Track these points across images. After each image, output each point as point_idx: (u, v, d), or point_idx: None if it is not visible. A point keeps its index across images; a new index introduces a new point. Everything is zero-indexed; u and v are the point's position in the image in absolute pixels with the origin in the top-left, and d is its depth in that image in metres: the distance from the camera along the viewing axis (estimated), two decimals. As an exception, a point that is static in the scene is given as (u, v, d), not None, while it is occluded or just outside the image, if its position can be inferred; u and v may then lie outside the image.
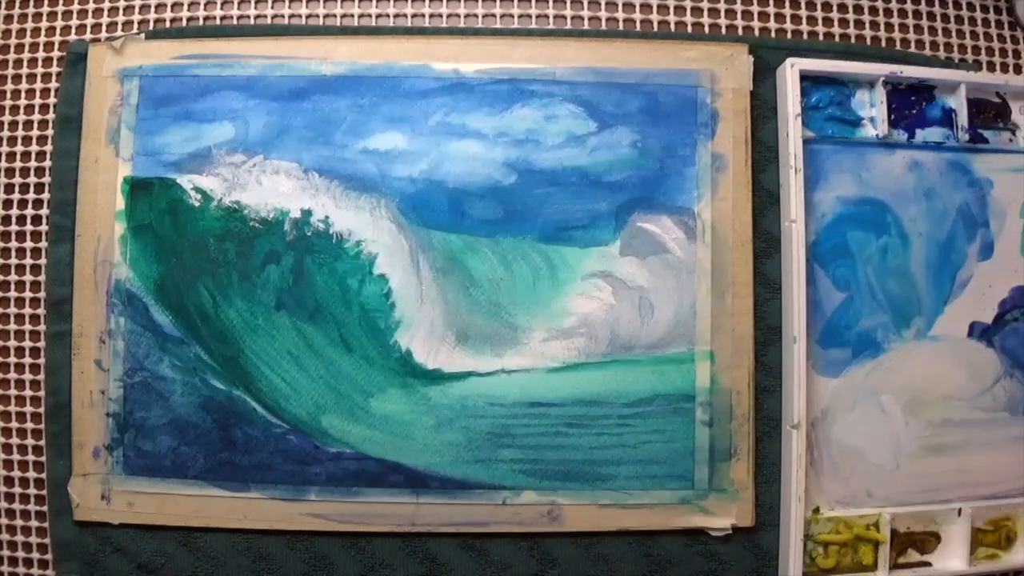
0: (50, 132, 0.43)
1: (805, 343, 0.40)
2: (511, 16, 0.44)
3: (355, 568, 0.41)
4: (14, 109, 0.44)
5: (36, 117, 0.43)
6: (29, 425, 0.42)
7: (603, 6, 0.45)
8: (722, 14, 0.45)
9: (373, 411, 0.40)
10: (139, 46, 0.42)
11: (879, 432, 0.41)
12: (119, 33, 0.44)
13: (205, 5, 0.44)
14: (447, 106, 0.42)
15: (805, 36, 0.45)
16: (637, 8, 0.45)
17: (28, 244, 0.43)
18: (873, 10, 0.46)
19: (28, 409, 0.42)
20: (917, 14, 0.46)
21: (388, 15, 0.44)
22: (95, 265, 0.41)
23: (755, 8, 0.45)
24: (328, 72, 0.42)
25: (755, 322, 0.41)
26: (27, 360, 0.42)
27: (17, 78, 0.44)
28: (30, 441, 0.42)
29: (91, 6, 0.44)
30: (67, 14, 0.44)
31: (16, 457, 0.42)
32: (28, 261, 0.43)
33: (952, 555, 0.41)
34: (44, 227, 0.43)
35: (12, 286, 0.43)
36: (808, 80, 0.42)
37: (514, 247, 0.41)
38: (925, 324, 0.42)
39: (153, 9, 0.44)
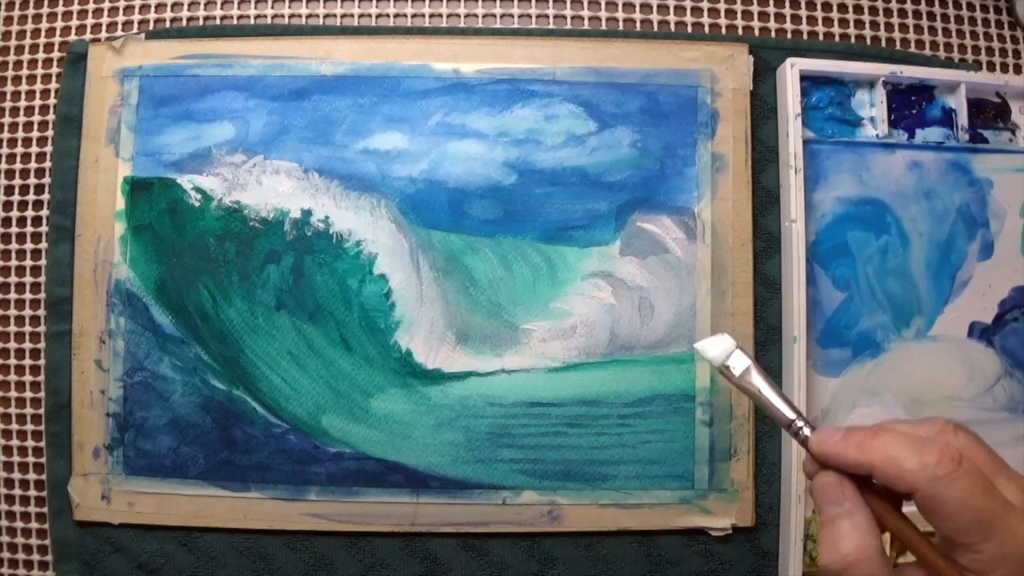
0: (50, 132, 0.43)
1: (805, 343, 0.40)
2: (511, 16, 0.44)
3: (355, 568, 0.41)
4: (14, 110, 0.44)
5: (36, 117, 0.43)
6: (29, 425, 0.42)
7: (603, 6, 0.45)
8: (722, 14, 0.45)
9: (373, 411, 0.40)
10: (139, 46, 0.42)
11: (879, 432, 0.41)
12: (119, 33, 0.44)
13: (205, 5, 0.44)
14: (447, 106, 0.42)
15: (805, 36, 0.45)
16: (637, 8, 0.45)
17: (28, 244, 0.43)
18: (873, 10, 0.46)
19: (28, 409, 0.42)
20: (917, 14, 0.46)
21: (388, 15, 0.44)
22: (95, 265, 0.41)
23: (755, 8, 0.45)
24: (328, 72, 0.42)
25: (755, 322, 0.41)
26: (27, 360, 0.42)
27: (17, 78, 0.44)
28: (30, 441, 0.42)
29: (91, 6, 0.44)
30: (67, 14, 0.44)
31: (16, 457, 0.42)
32: (28, 261, 0.43)
33: (952, 555, 0.41)
34: (44, 227, 0.43)
35: (12, 286, 0.43)
36: (808, 80, 0.42)
37: (514, 247, 0.41)
38: (925, 324, 0.42)
39: (153, 9, 0.44)
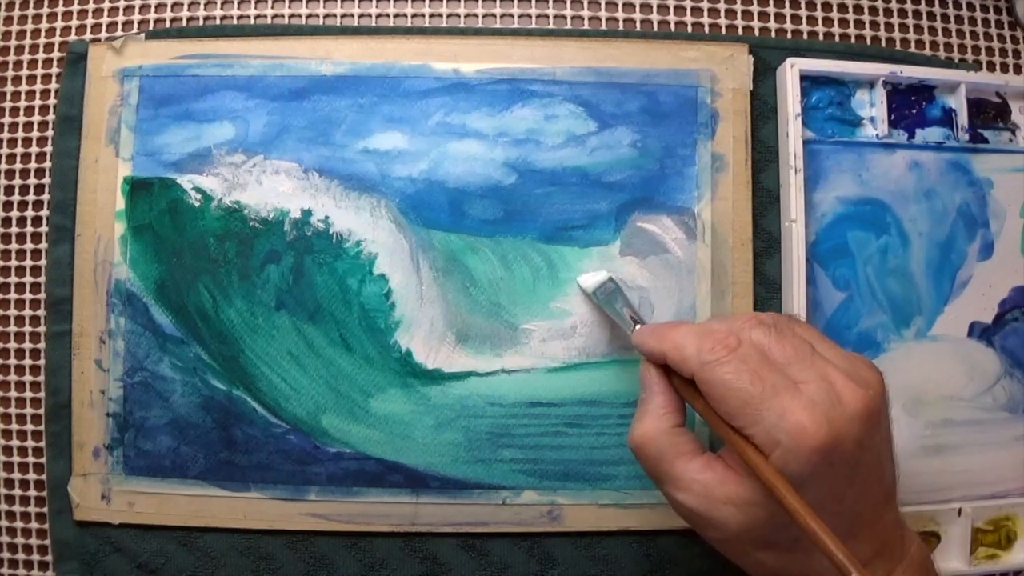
0: (50, 132, 0.43)
1: (805, 343, 0.40)
2: (511, 16, 0.44)
3: (355, 568, 0.41)
4: (14, 110, 0.44)
5: (36, 118, 0.43)
6: (29, 425, 0.42)
7: (603, 6, 0.45)
8: (722, 14, 0.45)
9: (373, 411, 0.40)
10: (139, 46, 0.42)
11: (879, 432, 0.41)
12: (119, 33, 0.44)
13: (205, 5, 0.44)
14: (447, 106, 0.42)
15: (805, 36, 0.45)
16: (637, 8, 0.45)
17: (28, 244, 0.43)
18: (873, 10, 0.46)
19: (28, 409, 0.42)
20: (917, 14, 0.46)
21: (388, 15, 0.44)
22: (95, 265, 0.41)
23: (755, 8, 0.45)
24: (328, 72, 0.42)
25: (755, 322, 0.41)
26: (27, 360, 0.42)
27: (17, 79, 0.44)
28: (30, 441, 0.42)
29: (91, 6, 0.44)
30: (67, 14, 0.44)
31: (16, 458, 0.42)
32: (28, 262, 0.43)
33: (952, 555, 0.41)
34: (44, 227, 0.43)
35: (12, 286, 0.43)
36: (808, 80, 0.42)
37: (514, 247, 0.41)
38: (925, 324, 0.42)
39: (153, 9, 0.44)
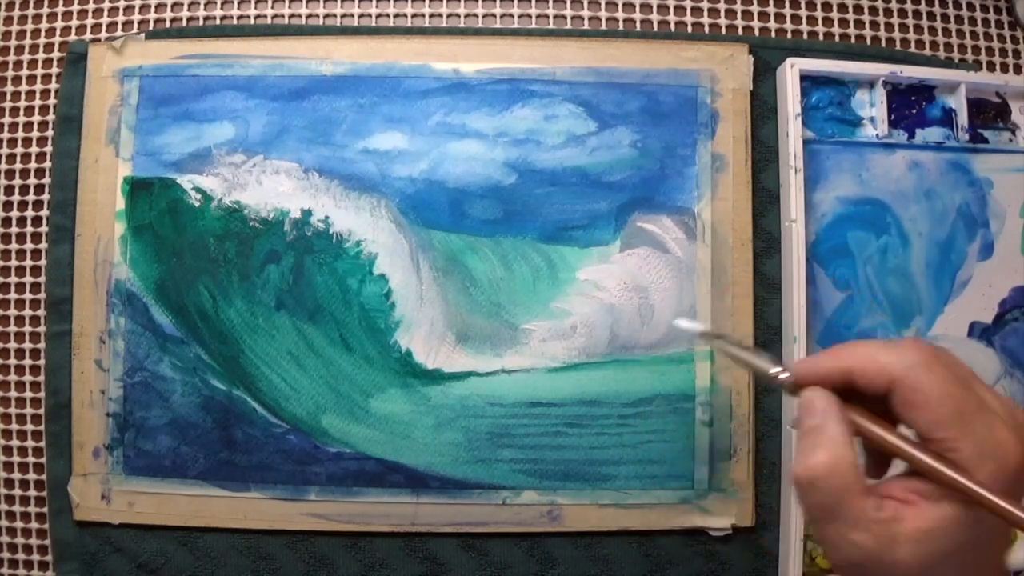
0: (50, 132, 0.43)
1: (805, 343, 0.40)
2: (511, 16, 0.44)
3: (355, 568, 0.41)
4: (14, 110, 0.44)
5: (36, 117, 0.43)
6: (29, 425, 0.42)
7: (603, 6, 0.45)
8: (722, 14, 0.45)
9: (373, 411, 0.40)
10: (139, 46, 0.42)
11: (879, 432, 0.41)
12: (119, 33, 0.44)
13: (205, 5, 0.44)
14: (447, 106, 0.42)
15: (805, 36, 0.45)
16: (637, 8, 0.45)
17: (28, 244, 0.43)
18: (873, 10, 0.46)
19: (28, 409, 0.42)
20: (917, 14, 0.46)
21: (388, 15, 0.44)
22: (95, 265, 0.41)
23: (755, 8, 0.45)
24: (328, 72, 0.42)
25: (755, 322, 0.41)
26: (27, 360, 0.42)
27: (17, 78, 0.44)
28: (30, 441, 0.42)
29: (91, 6, 0.44)
30: (67, 14, 0.44)
31: (16, 458, 0.42)
32: (28, 261, 0.43)
33: (952, 555, 0.41)
34: (44, 227, 0.43)
35: (12, 286, 0.43)
36: (808, 80, 0.42)
37: (514, 247, 0.41)
38: (925, 324, 0.42)
39: (153, 9, 0.44)
